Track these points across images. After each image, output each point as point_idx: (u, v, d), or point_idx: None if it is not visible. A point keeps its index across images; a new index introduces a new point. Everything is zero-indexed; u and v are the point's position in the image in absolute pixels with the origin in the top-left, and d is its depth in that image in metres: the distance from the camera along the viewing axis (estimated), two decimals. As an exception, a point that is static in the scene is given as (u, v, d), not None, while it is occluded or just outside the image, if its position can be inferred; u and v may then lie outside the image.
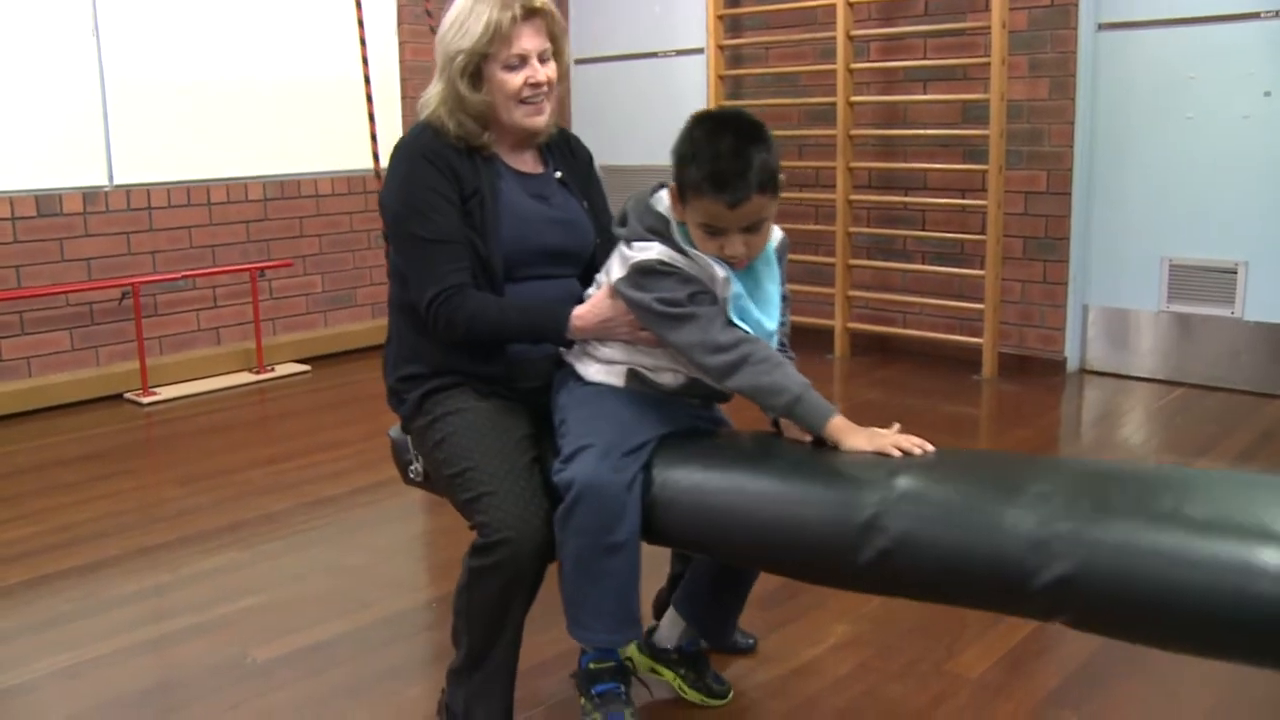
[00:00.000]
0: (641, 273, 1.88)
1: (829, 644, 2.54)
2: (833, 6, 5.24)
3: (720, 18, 5.78)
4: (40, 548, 3.27)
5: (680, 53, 6.16)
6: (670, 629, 2.28)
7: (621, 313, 1.94)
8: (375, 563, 3.13)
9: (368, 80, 4.62)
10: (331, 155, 5.48)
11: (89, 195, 4.89)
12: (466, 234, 2.04)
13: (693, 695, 2.28)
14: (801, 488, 1.74)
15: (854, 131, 5.32)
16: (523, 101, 2.08)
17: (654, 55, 6.31)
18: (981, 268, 4.94)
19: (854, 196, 5.38)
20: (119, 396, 4.92)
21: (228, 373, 5.25)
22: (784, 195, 5.68)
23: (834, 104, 5.31)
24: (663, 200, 1.90)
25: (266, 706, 2.34)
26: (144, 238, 5.07)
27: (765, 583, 2.86)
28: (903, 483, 1.66)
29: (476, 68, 2.06)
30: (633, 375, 1.97)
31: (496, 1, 2.03)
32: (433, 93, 2.12)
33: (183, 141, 5.15)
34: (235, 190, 5.36)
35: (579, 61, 6.72)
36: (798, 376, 1.84)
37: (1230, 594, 1.37)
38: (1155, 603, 1.43)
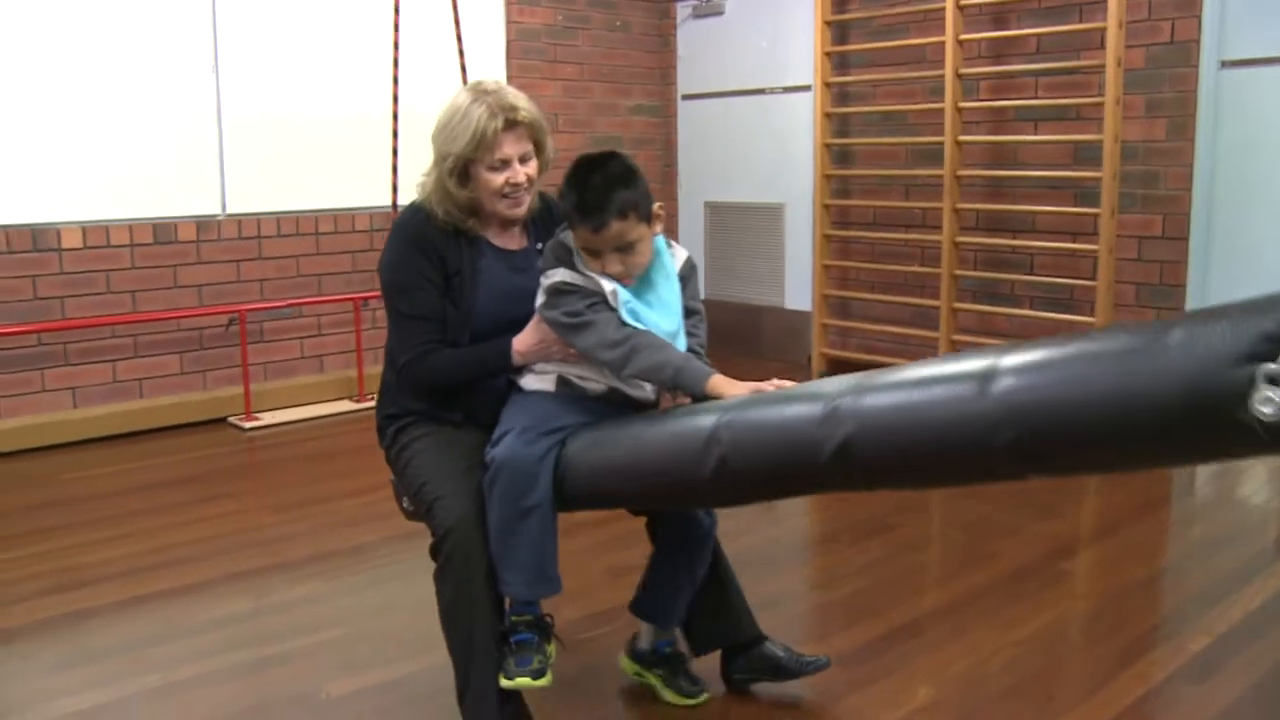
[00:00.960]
0: (552, 294, 2.18)
1: (911, 707, 2.44)
2: (942, 44, 5.15)
3: (828, 54, 5.72)
4: (136, 568, 3.36)
5: (788, 90, 6.12)
6: (645, 633, 2.53)
7: (551, 334, 2.22)
8: (456, 599, 3.11)
9: (395, 119, 4.72)
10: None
11: (203, 224, 5.05)
12: (445, 308, 2.30)
13: (669, 695, 2.49)
14: (658, 428, 2.06)
15: (961, 172, 5.20)
16: (504, 196, 2.30)
17: (761, 92, 6.28)
18: (1092, 314, 4.77)
19: (960, 238, 5.25)
20: (223, 420, 5.06)
21: (329, 400, 5.36)
22: (889, 235, 5.55)
23: (942, 143, 5.20)
24: (569, 237, 2.18)
25: (334, 743, 2.34)
26: (253, 266, 5.21)
27: (847, 641, 2.80)
28: (732, 403, 1.96)
29: (464, 169, 2.29)
30: (561, 381, 2.25)
31: (484, 109, 2.24)
32: (428, 180, 2.35)
33: (293, 173, 5.29)
34: (342, 221, 5.48)
35: (685, 97, 6.73)
36: (680, 353, 2.15)
37: (958, 418, 1.61)
38: (915, 440, 1.66)
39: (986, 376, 1.60)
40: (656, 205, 2.17)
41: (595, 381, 2.23)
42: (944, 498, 3.94)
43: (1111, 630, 2.83)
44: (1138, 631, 2.82)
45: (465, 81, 4.82)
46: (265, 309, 5.19)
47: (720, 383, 2.07)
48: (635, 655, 2.55)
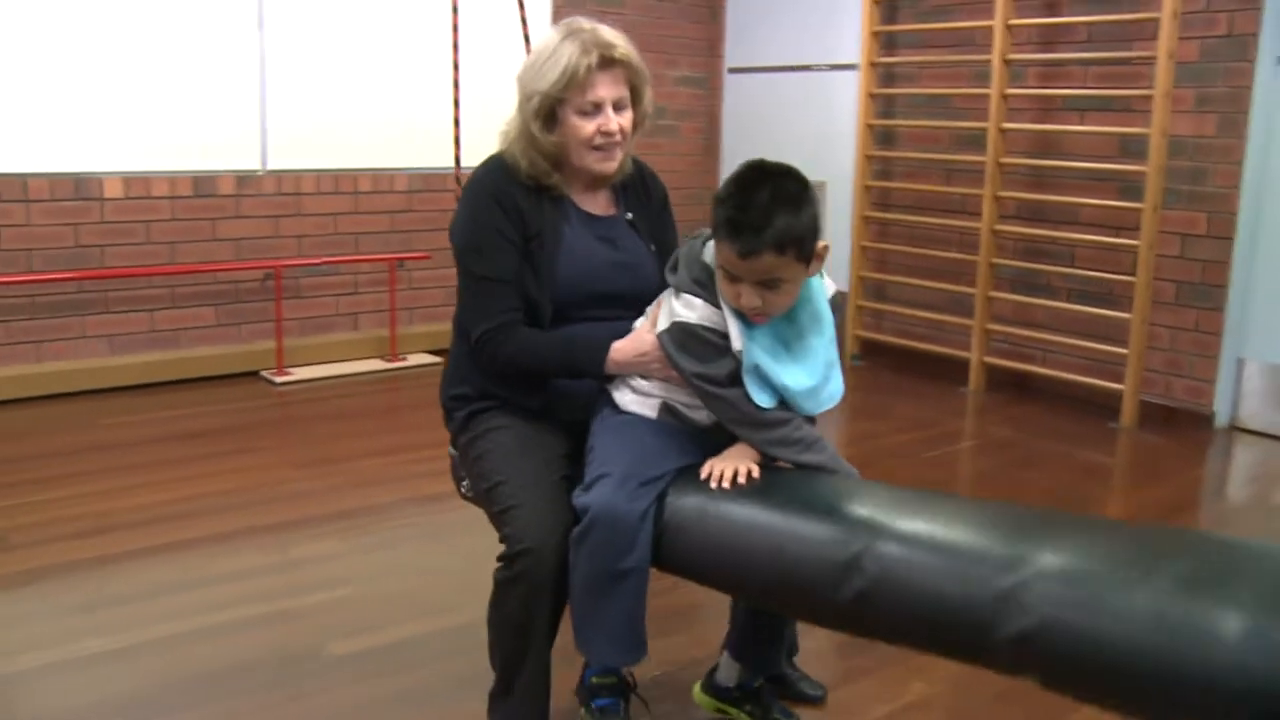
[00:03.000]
0: (684, 333, 1.92)
1: (902, 703, 2.45)
2: (990, 29, 5.06)
3: (875, 34, 5.65)
4: (162, 516, 3.43)
5: (834, 67, 6.05)
6: (727, 668, 2.30)
7: (657, 352, 1.98)
8: (467, 567, 3.13)
9: (456, 84, 4.72)
10: (477, 150, 5.55)
11: (243, 178, 5.11)
12: (523, 274, 2.09)
13: None
14: (793, 520, 1.77)
15: (1004, 159, 5.12)
16: (594, 148, 2.10)
17: (808, 69, 6.21)
18: (1129, 310, 4.70)
19: (1000, 226, 5.18)
20: (256, 374, 5.13)
21: (361, 358, 5.41)
22: (928, 220, 5.45)
23: (985, 130, 5.13)
24: (710, 252, 1.92)
25: (328, 703, 2.40)
26: (291, 222, 5.26)
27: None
28: (889, 526, 1.68)
29: (551, 110, 2.08)
30: (666, 409, 2.02)
31: (577, 45, 2.04)
32: (511, 127, 2.15)
33: (335, 131, 5.32)
34: (382, 180, 5.51)
35: (732, 71, 6.68)
36: (829, 451, 1.96)
37: (1191, 660, 1.35)
38: (1118, 664, 1.41)
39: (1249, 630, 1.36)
40: (821, 244, 1.87)
41: (705, 412, 2.00)
42: (972, 489, 3.91)
43: (1116, 634, 2.81)
44: (1143, 637, 2.79)
45: (527, 41, 4.79)
46: (301, 265, 5.24)
47: None
48: (716, 691, 2.32)
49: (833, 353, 2.00)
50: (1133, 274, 4.68)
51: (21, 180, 4.59)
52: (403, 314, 5.59)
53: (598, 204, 2.21)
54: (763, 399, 1.90)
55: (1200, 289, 4.64)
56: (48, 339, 4.74)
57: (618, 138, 2.09)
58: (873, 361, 5.84)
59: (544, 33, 2.15)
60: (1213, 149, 4.55)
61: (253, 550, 3.22)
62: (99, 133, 4.73)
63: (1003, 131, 5.10)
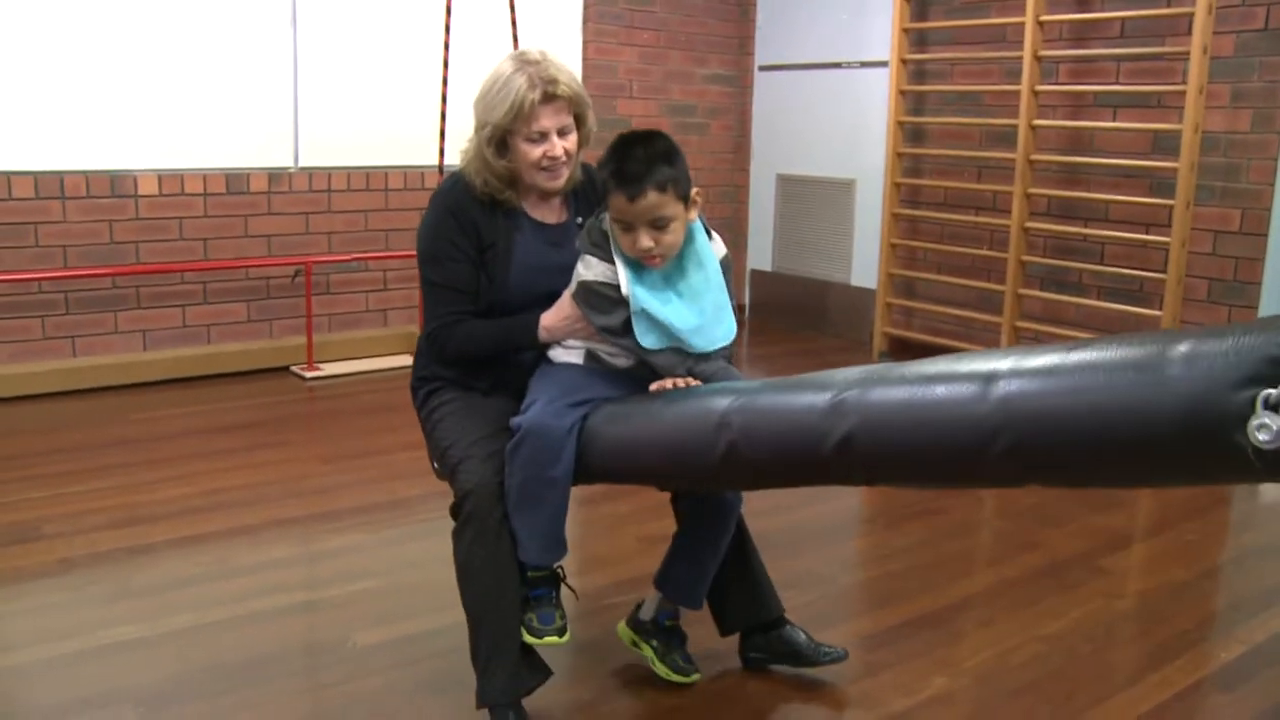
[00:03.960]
0: (586, 290, 2.20)
1: (923, 696, 2.44)
2: (1022, 25, 5.03)
3: (906, 31, 5.63)
4: (190, 509, 3.47)
5: (865, 65, 6.03)
6: (649, 603, 2.51)
7: (578, 312, 2.24)
8: (490, 558, 3.17)
9: (445, 82, 4.76)
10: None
11: (275, 175, 5.16)
12: (478, 280, 2.32)
13: (660, 669, 2.48)
14: (673, 406, 2.06)
15: (1035, 156, 5.09)
16: (542, 169, 2.30)
17: (838, 66, 6.20)
18: (1160, 308, 4.66)
19: (1030, 224, 5.15)
20: (286, 369, 5.18)
21: (390, 354, 5.45)
22: (958, 217, 5.42)
23: (1016, 126, 5.10)
24: (606, 221, 2.18)
25: (352, 691, 2.42)
26: (322, 219, 5.31)
27: (871, 624, 2.80)
28: (746, 386, 1.99)
29: (502, 138, 2.29)
30: (590, 356, 2.28)
31: (525, 79, 2.23)
32: (470, 148, 2.35)
33: (366, 129, 5.36)
34: (412, 178, 5.55)
35: (762, 68, 6.67)
36: (734, 380, 2.15)
37: (957, 418, 1.61)
38: (914, 438, 1.67)
39: (989, 378, 1.59)
40: (695, 190, 2.16)
41: (624, 358, 2.25)
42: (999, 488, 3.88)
43: (1142, 632, 2.79)
44: (1169, 635, 2.77)
45: (515, 45, 4.84)
46: (332, 261, 5.29)
47: None
48: (634, 624, 2.55)
49: (723, 297, 2.22)
50: (1164, 271, 4.64)
51: (58, 177, 4.66)
52: (432, 311, 5.62)
53: (550, 212, 2.41)
54: (649, 340, 2.14)
55: (1233, 286, 4.59)
56: (82, 334, 4.81)
57: (563, 159, 2.31)
58: (901, 359, 5.79)
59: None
60: (1247, 144, 4.51)
61: (280, 542, 3.25)
62: (134, 131, 4.80)
63: (1034, 128, 5.07)
